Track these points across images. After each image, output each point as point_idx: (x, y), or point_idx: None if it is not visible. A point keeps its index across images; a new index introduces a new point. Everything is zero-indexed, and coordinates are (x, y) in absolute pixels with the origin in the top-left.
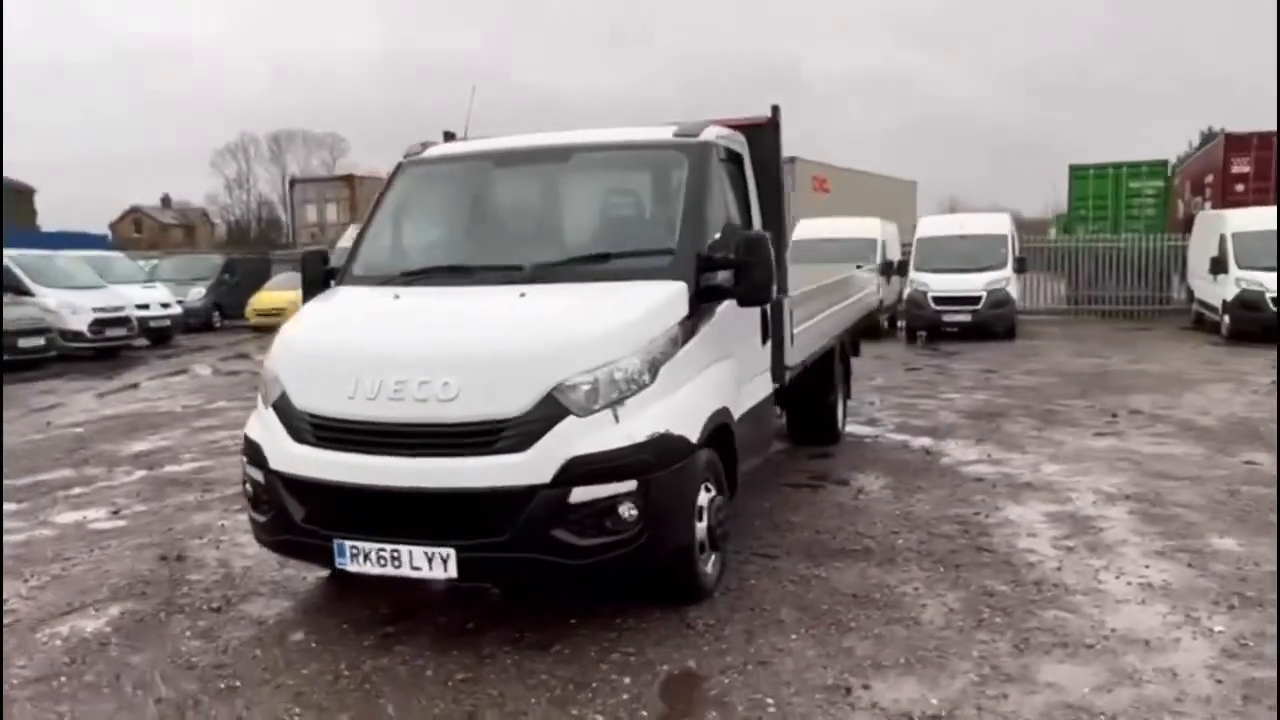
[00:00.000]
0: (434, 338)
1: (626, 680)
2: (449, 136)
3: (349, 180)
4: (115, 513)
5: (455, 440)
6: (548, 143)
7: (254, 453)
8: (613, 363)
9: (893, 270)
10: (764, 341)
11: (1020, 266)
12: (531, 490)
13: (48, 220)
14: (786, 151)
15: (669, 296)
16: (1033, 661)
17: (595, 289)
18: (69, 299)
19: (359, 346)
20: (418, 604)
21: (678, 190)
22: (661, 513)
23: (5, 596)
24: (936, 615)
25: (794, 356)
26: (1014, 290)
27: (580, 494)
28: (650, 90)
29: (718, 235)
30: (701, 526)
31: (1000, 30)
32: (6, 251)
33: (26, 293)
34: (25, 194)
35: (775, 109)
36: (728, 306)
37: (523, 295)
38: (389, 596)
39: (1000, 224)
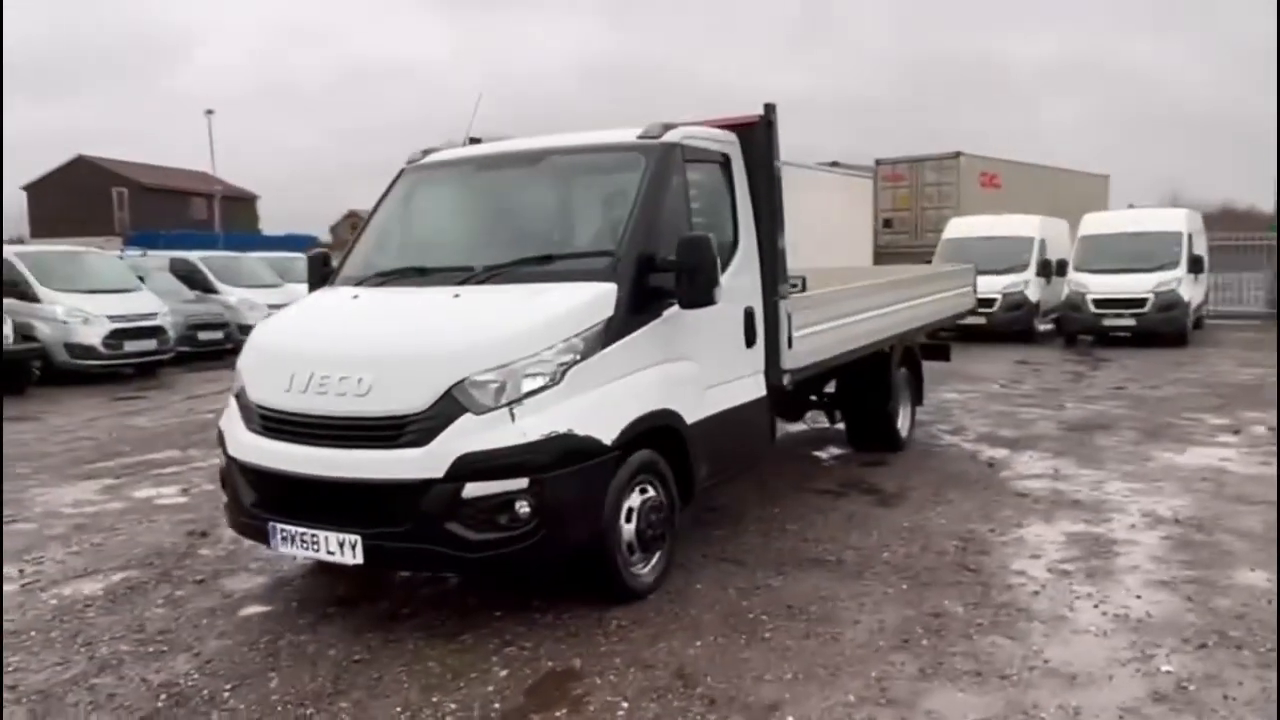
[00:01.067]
0: (359, 336)
1: (504, 673)
2: (473, 141)
3: None
4: (184, 491)
5: (365, 433)
6: (523, 147)
7: (220, 440)
8: (512, 363)
9: (1051, 271)
10: (750, 344)
11: (1196, 266)
12: (428, 484)
13: (276, 225)
14: (957, 145)
15: (591, 298)
16: (929, 688)
17: (523, 290)
18: (248, 296)
19: (301, 343)
20: (375, 589)
21: (631, 192)
22: (557, 511)
23: (49, 558)
24: (861, 632)
25: (796, 360)
26: (1189, 292)
27: (472, 489)
28: (850, 87)
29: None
30: (629, 528)
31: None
32: (200, 254)
33: (213, 290)
34: (248, 201)
35: (768, 107)
36: (684, 309)
37: (456, 296)
38: (356, 580)
39: (1175, 220)
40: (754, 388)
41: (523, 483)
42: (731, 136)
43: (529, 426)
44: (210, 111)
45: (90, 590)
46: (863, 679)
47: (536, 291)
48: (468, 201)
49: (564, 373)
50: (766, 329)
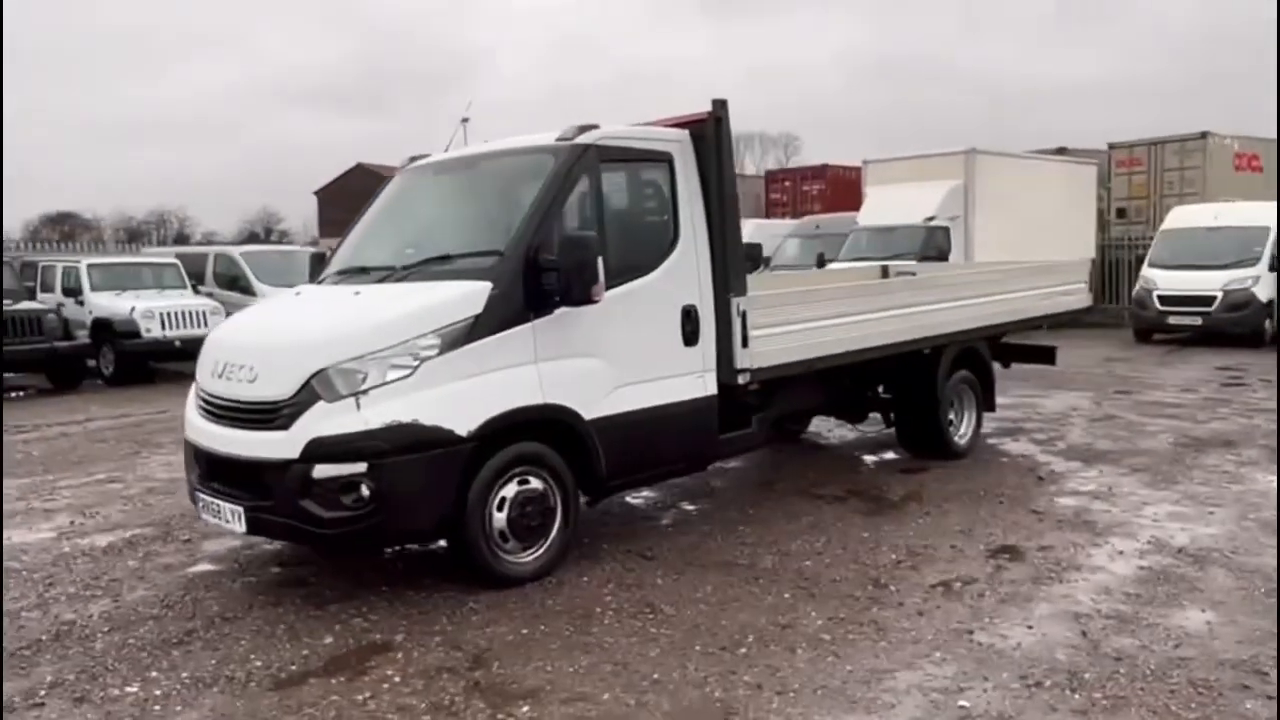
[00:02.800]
0: (265, 330)
1: (328, 640)
2: (412, 160)
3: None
4: None
5: (250, 416)
6: (470, 151)
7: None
8: (366, 355)
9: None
10: (690, 342)
11: None
12: (288, 464)
13: None
14: (1204, 125)
15: (458, 296)
16: (691, 694)
17: (408, 288)
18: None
19: (233, 335)
20: (315, 561)
21: (533, 193)
22: (396, 495)
23: (103, 513)
24: (689, 636)
25: (756, 360)
26: (1268, 291)
27: (321, 470)
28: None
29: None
30: (501, 517)
31: None
32: (244, 249)
33: (250, 291)
34: None
35: (717, 104)
36: (589, 307)
37: (356, 294)
38: (303, 552)
39: (1264, 215)
40: (695, 387)
41: (362, 467)
42: (679, 135)
43: (373, 415)
44: (465, 120)
45: (102, 542)
46: (638, 679)
47: (418, 289)
48: (415, 204)
49: (418, 366)
50: (719, 327)
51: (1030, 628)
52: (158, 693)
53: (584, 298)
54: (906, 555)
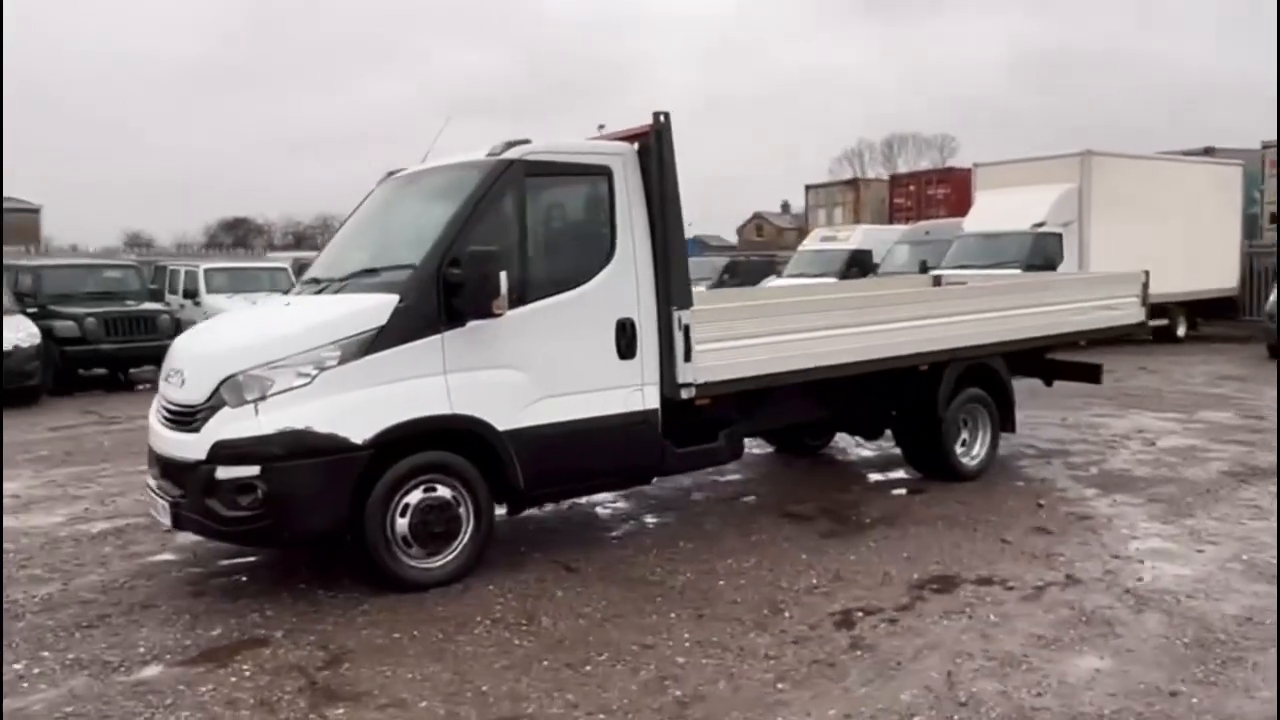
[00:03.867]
0: (203, 336)
1: (216, 632)
2: (391, 174)
3: (854, 184)
4: None
5: (178, 418)
6: (424, 166)
7: None
8: (269, 364)
9: None
10: (626, 356)
11: None
12: (197, 464)
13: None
14: None
15: (363, 309)
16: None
17: (326, 299)
18: None
19: (183, 340)
20: (276, 560)
21: (454, 208)
22: (286, 498)
23: (120, 500)
24: (544, 649)
25: (702, 374)
26: None
27: (222, 472)
28: None
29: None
30: (404, 522)
31: None
32: None
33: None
34: None
35: (658, 116)
36: (506, 319)
37: (287, 305)
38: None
39: None
40: (632, 400)
41: (256, 470)
42: (621, 149)
43: (268, 421)
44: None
45: (96, 529)
46: (466, 690)
47: (334, 301)
48: (374, 217)
49: (318, 375)
50: (661, 341)
51: (897, 665)
52: (36, 671)
53: (484, 311)
54: (829, 580)
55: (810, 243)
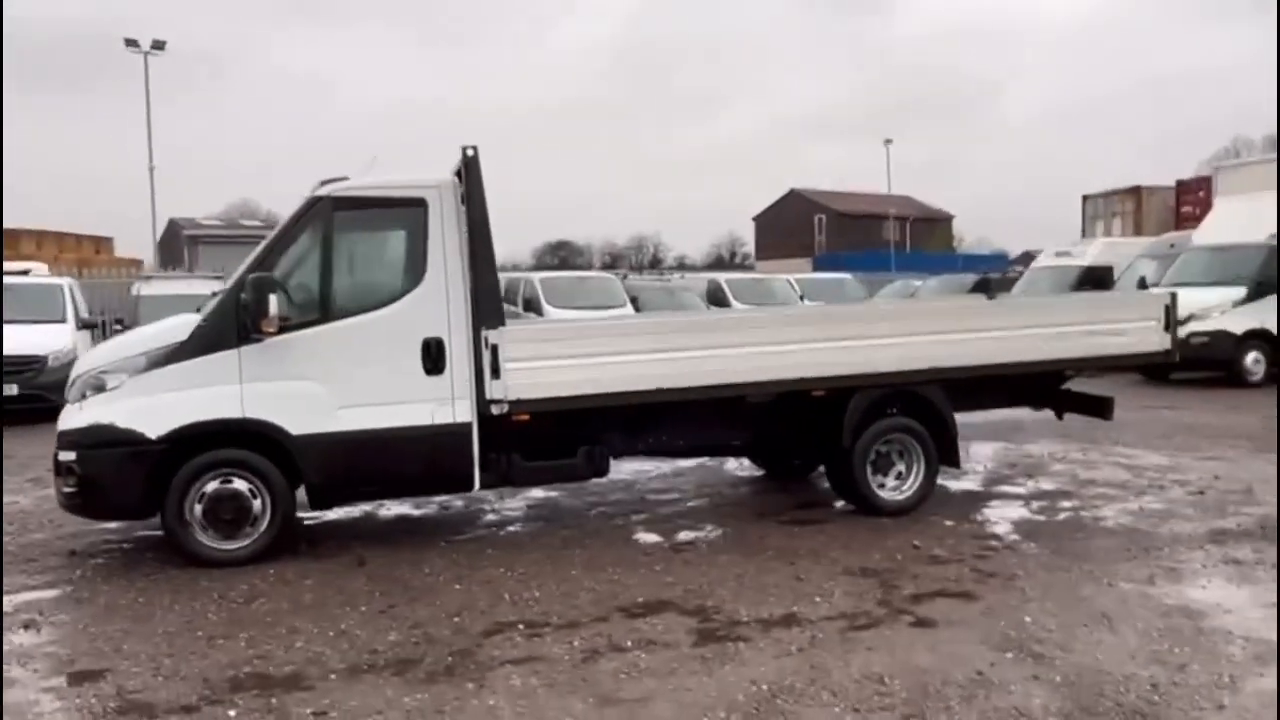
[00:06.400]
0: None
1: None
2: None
3: (1136, 192)
4: None
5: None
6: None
7: None
8: (97, 370)
9: None
10: (433, 371)
11: None
12: (56, 449)
13: (972, 244)
14: None
15: (170, 326)
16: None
17: (176, 316)
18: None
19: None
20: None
21: (269, 239)
22: (91, 480)
23: None
24: (236, 625)
25: (512, 392)
26: None
27: (61, 455)
28: None
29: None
30: (199, 509)
31: None
32: (544, 274)
33: (540, 311)
34: (942, 222)
35: (464, 150)
36: (303, 336)
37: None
38: None
39: None
40: (440, 413)
41: (74, 455)
42: (439, 180)
43: (86, 416)
44: (889, 141)
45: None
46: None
47: (172, 318)
48: None
49: (126, 380)
50: (475, 358)
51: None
52: None
53: (256, 330)
54: (639, 606)
55: (1044, 259)
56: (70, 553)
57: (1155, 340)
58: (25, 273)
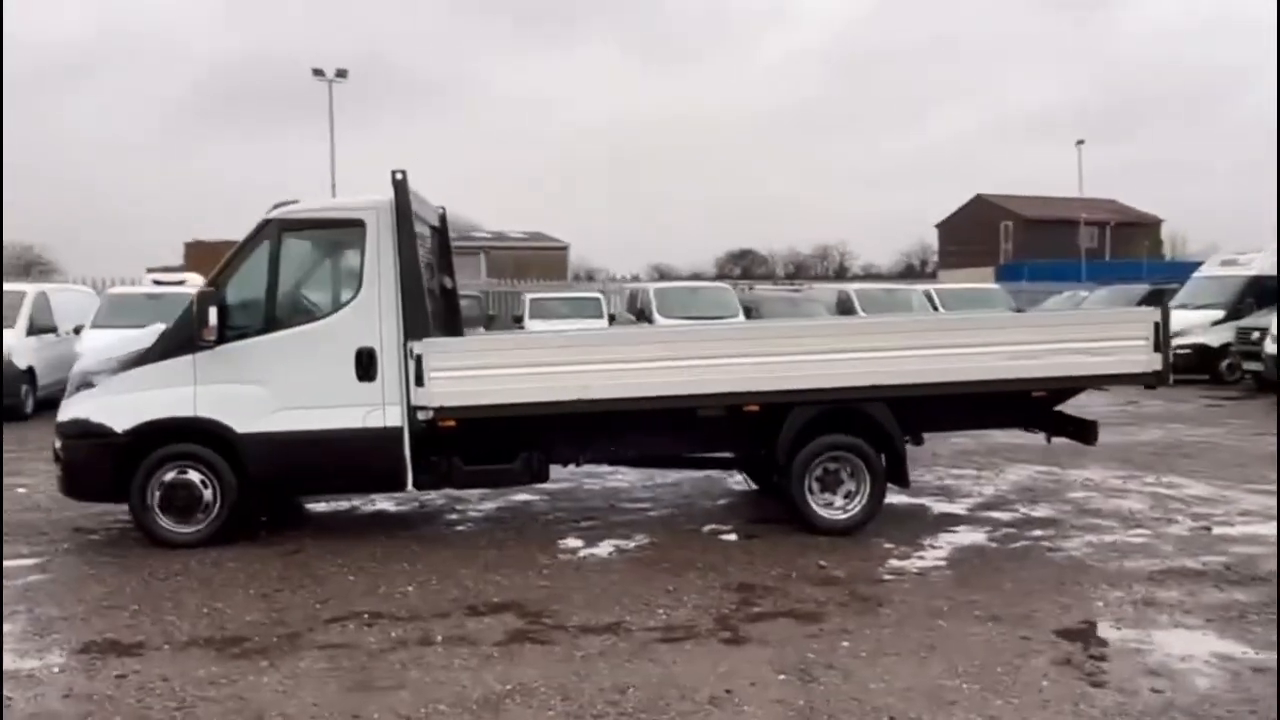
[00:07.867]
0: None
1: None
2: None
3: None
4: None
5: None
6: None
7: None
8: (86, 371)
9: None
10: (365, 379)
11: None
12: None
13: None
14: None
15: (139, 335)
16: None
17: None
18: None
19: None
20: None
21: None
22: (70, 465)
23: None
24: (151, 604)
25: (436, 399)
26: None
27: (56, 442)
28: None
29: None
30: (159, 495)
31: None
32: (660, 285)
33: (650, 319)
34: (1149, 226)
35: (392, 173)
36: (251, 343)
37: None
38: None
39: None
40: (372, 417)
41: (59, 443)
42: (377, 203)
43: (69, 411)
44: (1080, 142)
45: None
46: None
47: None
48: None
49: (97, 382)
50: (406, 368)
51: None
52: None
53: (197, 338)
54: (486, 606)
55: (1208, 267)
56: (74, 529)
57: (1143, 360)
58: (180, 283)
